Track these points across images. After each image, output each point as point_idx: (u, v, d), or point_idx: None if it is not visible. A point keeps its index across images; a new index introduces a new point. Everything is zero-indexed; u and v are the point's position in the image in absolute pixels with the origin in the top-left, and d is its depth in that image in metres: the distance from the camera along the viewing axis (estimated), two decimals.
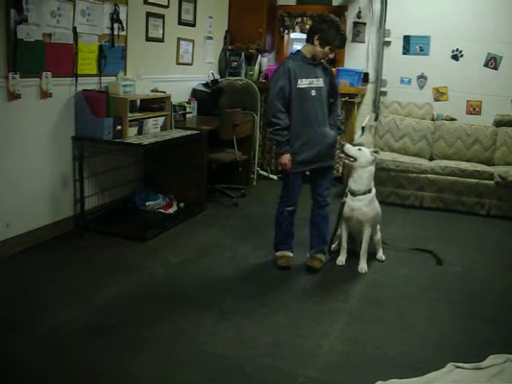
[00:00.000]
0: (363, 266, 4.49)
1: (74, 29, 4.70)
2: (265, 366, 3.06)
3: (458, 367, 3.07)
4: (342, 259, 4.60)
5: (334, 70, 6.99)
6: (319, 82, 4.23)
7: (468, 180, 6.32)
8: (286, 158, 4.20)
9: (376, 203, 4.60)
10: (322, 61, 4.30)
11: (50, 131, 4.66)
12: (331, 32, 4.11)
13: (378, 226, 4.77)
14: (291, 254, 4.53)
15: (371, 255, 4.70)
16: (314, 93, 4.20)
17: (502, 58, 7.04)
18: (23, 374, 2.89)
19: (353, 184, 4.53)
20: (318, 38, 4.14)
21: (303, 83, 4.17)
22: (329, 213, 4.51)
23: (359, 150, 4.52)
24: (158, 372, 2.96)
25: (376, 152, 4.59)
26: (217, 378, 2.93)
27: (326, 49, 4.15)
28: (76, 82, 4.81)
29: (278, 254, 4.51)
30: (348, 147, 4.56)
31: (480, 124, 6.97)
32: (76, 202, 4.99)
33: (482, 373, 3.03)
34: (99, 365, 2.98)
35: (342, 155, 4.59)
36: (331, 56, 4.27)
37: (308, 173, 4.46)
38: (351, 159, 4.51)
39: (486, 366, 3.09)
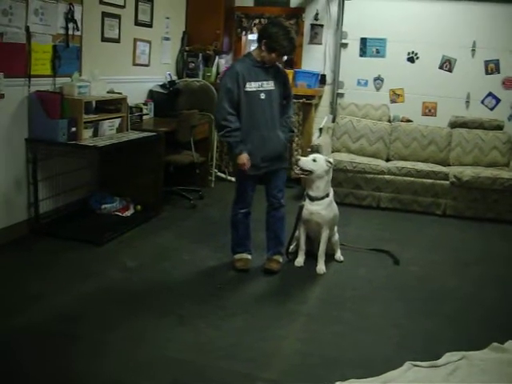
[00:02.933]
0: (321, 267, 4.50)
1: (27, 28, 4.59)
2: (224, 369, 3.03)
3: (415, 365, 3.11)
4: (300, 260, 4.61)
5: (290, 71, 7.09)
6: (269, 85, 4.19)
7: (424, 180, 6.41)
8: (244, 158, 4.14)
9: (334, 205, 4.63)
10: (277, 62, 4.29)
11: (2, 133, 4.54)
12: (279, 38, 4.03)
13: (336, 228, 4.79)
14: (249, 257, 4.51)
15: (329, 256, 4.72)
16: (263, 96, 4.15)
17: (456, 60, 7.18)
18: None
19: (310, 191, 4.54)
20: (264, 44, 4.08)
21: (252, 86, 4.12)
22: (284, 214, 4.51)
23: (314, 161, 4.49)
24: (116, 377, 2.90)
25: (330, 163, 4.54)
26: (175, 382, 2.89)
27: (273, 55, 4.09)
28: (29, 82, 4.70)
29: (237, 256, 4.49)
30: (303, 162, 4.50)
31: (435, 125, 7.09)
32: (30, 206, 4.88)
33: (438, 371, 3.07)
34: (55, 371, 2.91)
35: (298, 171, 4.53)
36: (281, 61, 4.23)
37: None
38: (307, 173, 4.50)
39: (442, 363, 3.13)
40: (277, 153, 4.29)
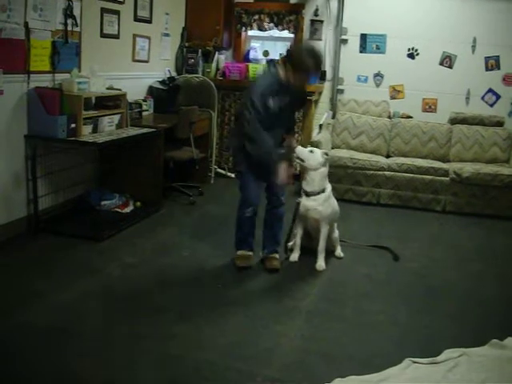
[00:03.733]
0: (321, 264, 4.50)
1: (26, 24, 4.57)
2: (223, 366, 3.03)
3: (414, 362, 3.11)
4: (295, 256, 4.61)
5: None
6: (288, 100, 4.16)
7: (424, 177, 6.41)
8: (286, 169, 4.14)
9: (332, 201, 4.62)
10: None
11: (1, 129, 4.52)
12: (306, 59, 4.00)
13: (336, 224, 4.78)
14: (251, 253, 4.48)
15: (329, 253, 4.72)
16: (278, 110, 4.11)
17: (456, 56, 7.17)
18: None
19: (306, 186, 4.54)
20: (292, 64, 4.04)
21: (273, 102, 4.06)
22: (284, 213, 4.49)
23: (311, 151, 4.53)
24: (116, 374, 2.90)
25: (326, 154, 4.57)
26: (175, 379, 2.89)
27: (299, 75, 4.06)
28: (28, 78, 4.68)
29: (239, 253, 4.46)
30: (299, 150, 4.53)
31: (435, 121, 7.08)
32: (29, 202, 4.87)
33: (438, 367, 3.07)
34: (53, 367, 2.91)
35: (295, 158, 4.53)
36: (306, 80, 4.29)
37: None
38: (299, 160, 4.53)
39: (441, 360, 3.13)
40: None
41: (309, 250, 4.63)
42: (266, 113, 4.04)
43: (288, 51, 4.23)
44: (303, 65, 4.00)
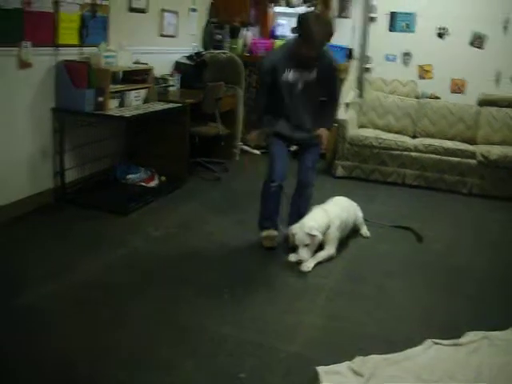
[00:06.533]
0: (309, 266, 4.06)
1: None
2: (246, 341, 3.05)
3: (436, 343, 3.12)
4: (295, 255, 4.16)
5: None
6: (310, 75, 4.05)
7: (450, 158, 6.34)
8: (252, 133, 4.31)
9: (339, 221, 4.32)
10: (327, 53, 4.13)
11: (30, 102, 4.56)
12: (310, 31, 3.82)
13: (358, 207, 4.77)
14: (276, 233, 4.43)
15: (354, 232, 4.73)
16: (300, 86, 4.06)
17: (487, 37, 7.03)
18: (3, 349, 2.86)
19: None
20: (299, 35, 3.93)
21: (290, 76, 4.02)
22: (311, 193, 4.45)
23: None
24: (138, 346, 2.94)
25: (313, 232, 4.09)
26: (197, 352, 2.92)
27: (304, 48, 3.88)
28: (57, 52, 4.71)
29: (264, 234, 4.42)
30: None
31: (464, 103, 6.98)
32: (56, 175, 4.93)
33: (459, 350, 3.08)
34: (78, 339, 2.96)
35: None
36: (311, 54, 3.92)
37: (294, 148, 4.43)
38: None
39: (463, 342, 3.14)
40: (301, 136, 4.26)
41: None
42: (280, 87, 4.03)
43: (297, 21, 3.98)
44: (311, 34, 3.79)
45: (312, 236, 4.04)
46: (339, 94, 4.39)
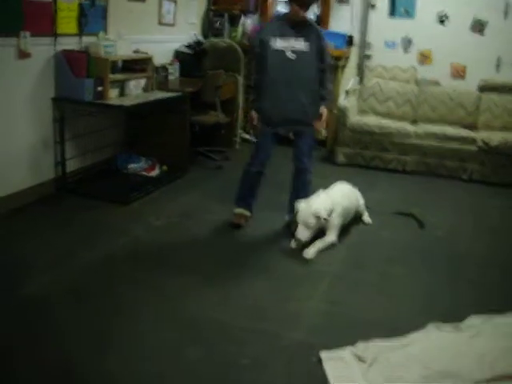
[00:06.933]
0: (310, 252, 4.06)
1: None
2: (249, 327, 3.07)
3: (438, 328, 3.13)
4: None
5: None
6: (300, 45, 4.13)
7: (451, 145, 6.33)
8: (253, 115, 4.33)
9: (341, 208, 4.30)
10: (314, 24, 4.26)
11: (29, 92, 4.56)
12: None
13: (360, 194, 4.78)
14: (248, 214, 4.55)
15: (356, 219, 4.74)
16: (291, 56, 4.11)
17: (487, 22, 7.00)
18: (2, 337, 2.87)
19: None
20: None
21: (279, 44, 4.11)
22: (309, 179, 4.47)
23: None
24: (141, 334, 2.96)
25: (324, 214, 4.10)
26: (200, 339, 2.94)
27: (295, 6, 4.06)
28: (55, 41, 4.69)
29: (236, 210, 4.54)
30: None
31: (464, 89, 6.96)
32: (57, 165, 4.93)
33: (461, 334, 3.10)
34: (81, 327, 2.98)
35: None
36: (303, 12, 4.10)
37: (291, 136, 4.43)
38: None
39: (464, 326, 3.16)
40: (296, 115, 4.26)
41: None
42: (273, 55, 4.11)
43: None
44: None
45: (317, 218, 4.04)
46: (331, 68, 4.47)
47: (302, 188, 4.46)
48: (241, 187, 4.55)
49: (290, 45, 4.11)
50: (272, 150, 4.41)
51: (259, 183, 4.51)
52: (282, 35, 4.11)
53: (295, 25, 4.13)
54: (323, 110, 4.30)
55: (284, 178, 4.63)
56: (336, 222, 4.26)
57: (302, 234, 4.08)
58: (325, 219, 4.09)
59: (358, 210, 4.72)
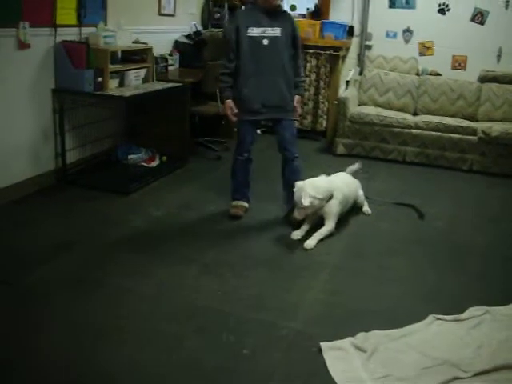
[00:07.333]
0: (311, 243, 4.06)
1: None
2: (249, 317, 3.07)
3: (438, 319, 3.14)
4: (297, 233, 4.17)
5: (318, 22, 6.99)
6: (274, 32, 4.16)
7: (451, 135, 6.32)
8: (228, 104, 4.28)
9: (341, 195, 4.31)
10: (286, 10, 4.29)
11: (29, 83, 4.55)
12: None
13: (360, 185, 4.77)
14: (246, 205, 4.59)
15: (356, 209, 4.75)
16: (266, 42, 4.15)
17: (488, 13, 6.97)
18: (4, 328, 2.88)
19: None
20: None
21: (253, 32, 4.14)
22: (299, 166, 4.47)
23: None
24: (142, 324, 2.96)
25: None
26: (201, 329, 2.94)
27: None
28: (55, 32, 4.68)
29: (233, 203, 4.57)
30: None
31: (465, 79, 6.94)
32: (57, 156, 4.93)
33: (461, 324, 3.10)
34: (82, 318, 2.98)
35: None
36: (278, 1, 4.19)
37: (270, 124, 4.47)
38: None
39: (465, 317, 3.16)
40: (276, 101, 4.27)
41: None
42: (247, 43, 4.13)
43: None
44: None
45: (311, 198, 4.04)
46: (302, 56, 4.49)
47: (294, 176, 4.43)
48: (233, 179, 4.57)
49: (266, 32, 4.15)
50: (255, 136, 4.44)
51: (250, 171, 4.54)
52: (257, 23, 4.14)
53: (270, 12, 4.16)
54: (298, 99, 4.38)
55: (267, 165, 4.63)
56: (335, 210, 4.25)
57: (296, 214, 4.11)
58: (318, 199, 4.07)
59: (357, 201, 4.72)
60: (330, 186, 4.22)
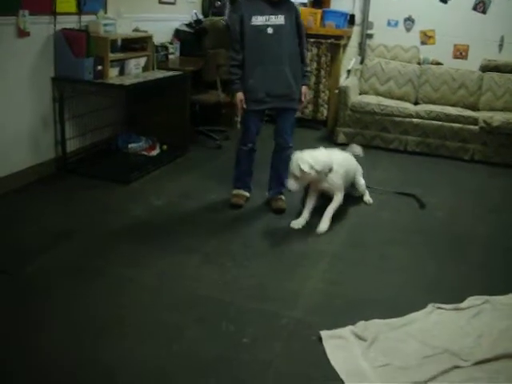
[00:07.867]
0: (324, 226, 4.13)
1: None
2: (249, 307, 3.08)
3: (438, 308, 3.14)
4: (298, 222, 4.21)
5: (319, 11, 6.95)
6: (278, 20, 4.13)
7: (452, 125, 6.30)
8: (239, 96, 4.23)
9: (344, 170, 4.31)
10: (290, 0, 4.24)
11: (29, 72, 4.52)
12: None
13: (361, 171, 4.74)
14: (247, 194, 4.61)
15: (357, 198, 4.75)
16: (270, 31, 4.11)
17: (490, 1, 6.93)
18: (6, 318, 2.88)
19: None
20: None
21: (257, 21, 4.10)
22: (290, 155, 4.40)
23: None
24: (142, 314, 2.96)
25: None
26: (201, 319, 2.95)
27: None
28: (55, 20, 4.65)
29: (234, 192, 4.58)
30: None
31: (466, 69, 6.91)
32: (57, 145, 4.92)
33: (461, 314, 3.11)
34: (83, 308, 2.98)
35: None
36: None
37: (273, 113, 4.46)
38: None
39: (465, 306, 3.17)
40: (281, 90, 4.25)
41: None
42: (252, 32, 4.10)
43: None
44: None
45: (302, 171, 3.99)
46: (306, 44, 4.53)
47: (283, 164, 4.40)
48: (236, 168, 4.57)
49: (269, 21, 4.11)
50: (259, 126, 4.41)
51: (253, 160, 4.53)
52: (260, 11, 4.11)
53: (272, 1, 4.12)
54: (305, 89, 4.36)
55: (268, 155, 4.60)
56: (339, 181, 4.23)
57: (291, 184, 4.08)
58: (316, 170, 4.02)
59: (358, 190, 4.71)
60: (329, 160, 4.16)
